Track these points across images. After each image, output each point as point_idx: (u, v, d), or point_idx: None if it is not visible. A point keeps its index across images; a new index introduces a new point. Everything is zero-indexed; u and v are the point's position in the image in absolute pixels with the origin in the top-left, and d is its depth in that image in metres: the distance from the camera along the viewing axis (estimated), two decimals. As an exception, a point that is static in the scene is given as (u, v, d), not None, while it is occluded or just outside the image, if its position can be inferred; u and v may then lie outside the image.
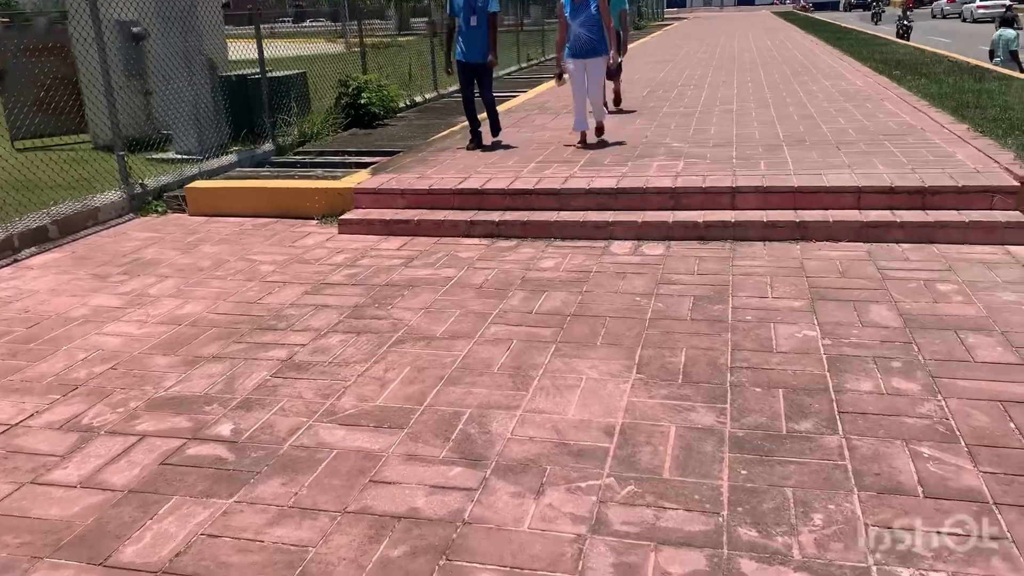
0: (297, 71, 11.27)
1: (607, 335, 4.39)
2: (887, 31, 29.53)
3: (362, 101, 11.36)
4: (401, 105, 13.28)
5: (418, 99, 14.11)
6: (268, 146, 9.87)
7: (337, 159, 9.21)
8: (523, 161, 7.80)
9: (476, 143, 8.70)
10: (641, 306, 4.81)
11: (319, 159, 9.30)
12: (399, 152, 8.88)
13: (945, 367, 3.80)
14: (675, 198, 6.46)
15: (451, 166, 7.78)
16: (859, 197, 6.14)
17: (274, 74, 10.50)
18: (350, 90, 11.47)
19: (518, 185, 6.83)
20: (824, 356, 3.99)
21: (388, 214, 6.82)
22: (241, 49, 11.03)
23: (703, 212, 6.28)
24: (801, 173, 6.61)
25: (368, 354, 4.28)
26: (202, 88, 9.58)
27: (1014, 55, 15.57)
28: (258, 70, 10.04)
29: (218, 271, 5.85)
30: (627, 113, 10.60)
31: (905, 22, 26.28)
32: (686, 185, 6.49)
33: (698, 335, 4.33)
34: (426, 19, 46.65)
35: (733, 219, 6.11)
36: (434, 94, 14.86)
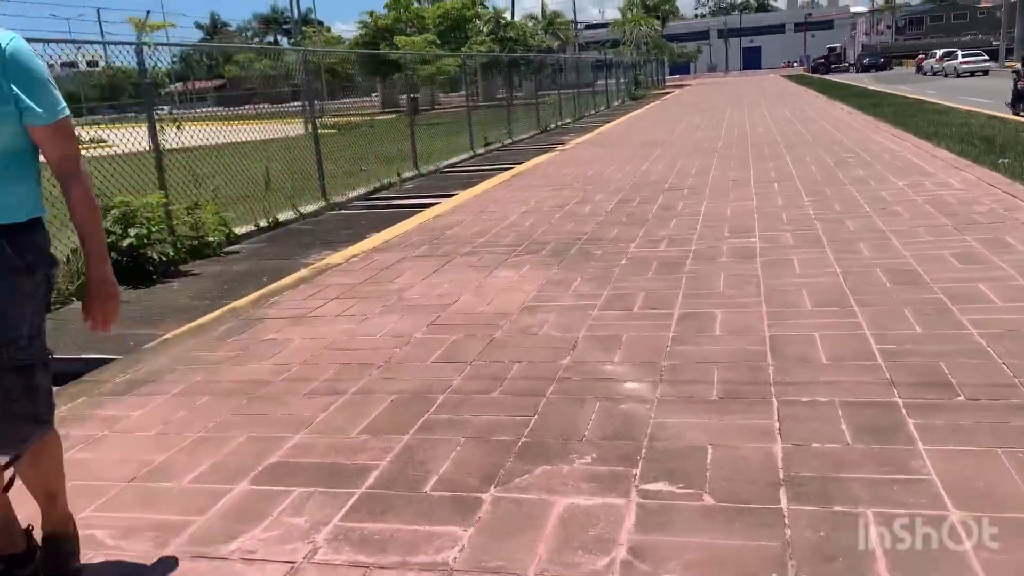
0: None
1: None
2: (924, 93, 25.10)
3: (129, 242, 6.75)
4: (245, 230, 8.71)
5: (284, 216, 9.53)
6: None
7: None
8: (228, 482, 3.08)
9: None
10: None
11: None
12: (86, 378, 4.17)
13: None
14: None
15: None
16: None
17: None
18: (111, 224, 6.88)
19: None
20: None
21: None
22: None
23: None
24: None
25: None
26: None
27: None
28: None
29: None
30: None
31: None
32: None
33: None
34: (408, 94, 43.01)
35: None
36: (319, 204, 10.29)
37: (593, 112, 30.22)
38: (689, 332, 4.08)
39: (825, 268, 5.09)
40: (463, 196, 9.78)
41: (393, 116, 29.11)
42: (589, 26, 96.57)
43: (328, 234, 8.59)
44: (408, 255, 6.55)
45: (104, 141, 13.41)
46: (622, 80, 41.27)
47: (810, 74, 61.65)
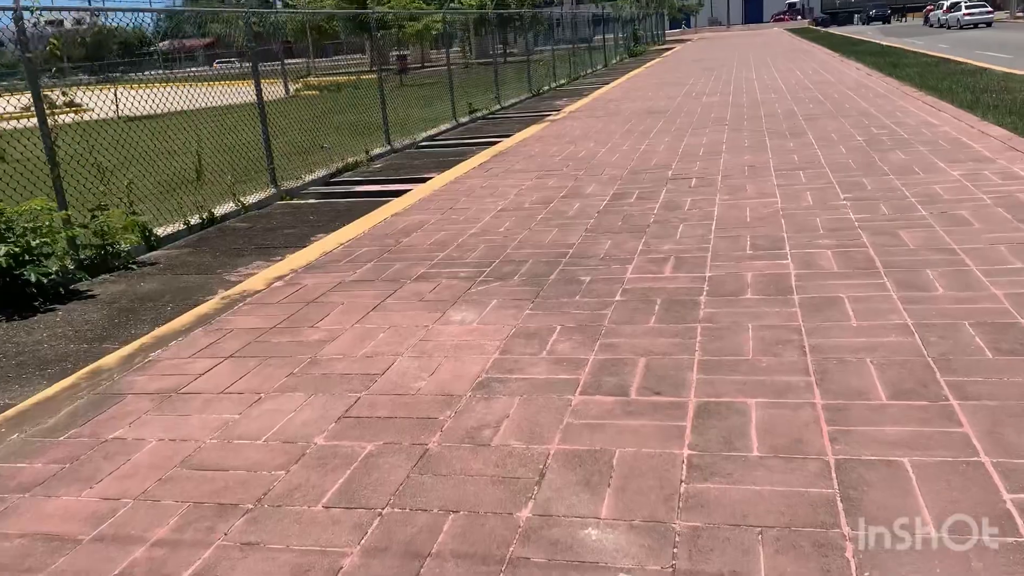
0: None
1: None
2: (935, 48, 23.44)
3: (-4, 262, 5.38)
4: (172, 230, 7.33)
5: (224, 209, 8.12)
6: None
7: None
8: None
9: None
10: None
11: None
12: None
13: None
14: None
15: None
16: None
17: None
18: (-25, 237, 5.52)
19: None
20: None
21: None
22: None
23: None
24: None
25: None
26: None
27: None
28: None
29: None
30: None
31: None
32: None
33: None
34: (398, 52, 40.97)
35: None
36: (267, 192, 8.87)
37: (590, 71, 28.55)
38: (712, 448, 2.74)
39: (890, 317, 3.73)
40: (433, 183, 8.38)
41: (381, 75, 27.35)
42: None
43: (266, 235, 7.21)
44: (347, 278, 5.19)
45: (79, 106, 11.85)
46: (620, 35, 39.39)
47: (816, 28, 59.51)
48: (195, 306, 5.06)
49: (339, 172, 10.33)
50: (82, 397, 3.69)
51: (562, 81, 23.71)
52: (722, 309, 4.04)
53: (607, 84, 21.01)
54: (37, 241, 5.63)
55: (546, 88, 21.60)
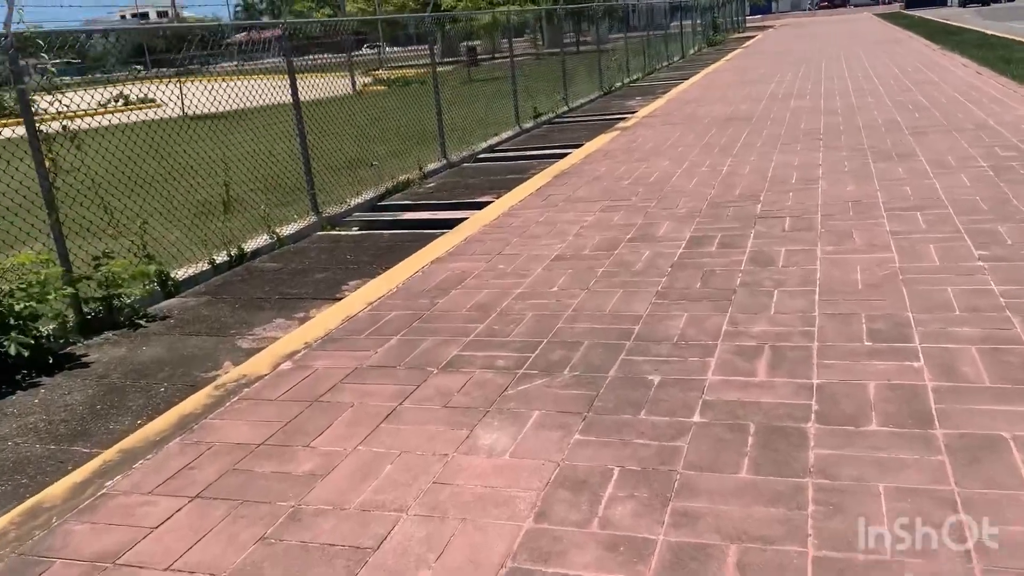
0: None
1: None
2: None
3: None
4: (194, 271, 6.61)
5: (256, 243, 7.37)
6: None
7: None
8: None
9: None
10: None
11: None
12: None
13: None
14: None
15: None
16: None
17: None
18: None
19: None
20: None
21: None
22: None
23: None
24: None
25: None
26: None
27: None
28: None
29: None
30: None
31: None
32: None
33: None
34: (468, 42, 40.16)
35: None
36: (307, 221, 8.09)
37: (665, 64, 27.17)
38: None
39: (1086, 485, 2.64)
40: (484, 215, 7.46)
41: (451, 67, 26.54)
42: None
43: (295, 281, 6.40)
44: (364, 361, 4.31)
45: (153, 101, 11.24)
46: (698, 22, 37.70)
47: (906, 12, 56.33)
48: (190, 390, 4.26)
49: (388, 193, 9.50)
50: (3, 559, 2.89)
51: (635, 76, 22.48)
52: (839, 451, 3.00)
53: (685, 80, 19.73)
54: (22, 305, 4.92)
55: (618, 85, 20.43)
